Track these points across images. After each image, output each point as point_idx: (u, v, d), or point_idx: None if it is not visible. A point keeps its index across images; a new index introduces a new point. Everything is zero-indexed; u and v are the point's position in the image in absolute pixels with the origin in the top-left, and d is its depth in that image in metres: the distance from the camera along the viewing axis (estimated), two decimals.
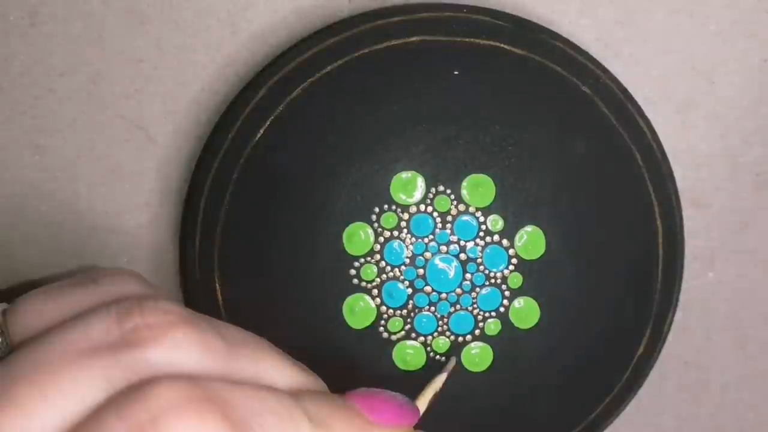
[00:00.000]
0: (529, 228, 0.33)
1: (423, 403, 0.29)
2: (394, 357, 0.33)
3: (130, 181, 0.35)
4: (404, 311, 0.33)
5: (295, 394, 0.24)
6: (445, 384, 0.30)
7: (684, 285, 0.37)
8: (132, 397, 0.21)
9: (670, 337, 0.37)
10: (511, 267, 0.33)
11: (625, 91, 0.33)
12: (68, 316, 0.24)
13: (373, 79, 0.32)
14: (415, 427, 0.27)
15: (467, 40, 0.32)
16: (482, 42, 0.33)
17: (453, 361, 0.33)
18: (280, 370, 0.25)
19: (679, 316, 0.37)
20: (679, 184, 0.34)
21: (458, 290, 0.33)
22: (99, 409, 0.21)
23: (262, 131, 0.32)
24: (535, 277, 0.33)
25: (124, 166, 0.35)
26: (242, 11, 0.34)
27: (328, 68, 0.32)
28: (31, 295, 0.25)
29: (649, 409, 0.38)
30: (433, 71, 0.33)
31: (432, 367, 0.33)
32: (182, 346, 0.23)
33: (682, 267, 0.34)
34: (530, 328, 0.33)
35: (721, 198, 0.36)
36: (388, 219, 0.33)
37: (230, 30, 0.34)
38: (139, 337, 0.22)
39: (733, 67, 0.35)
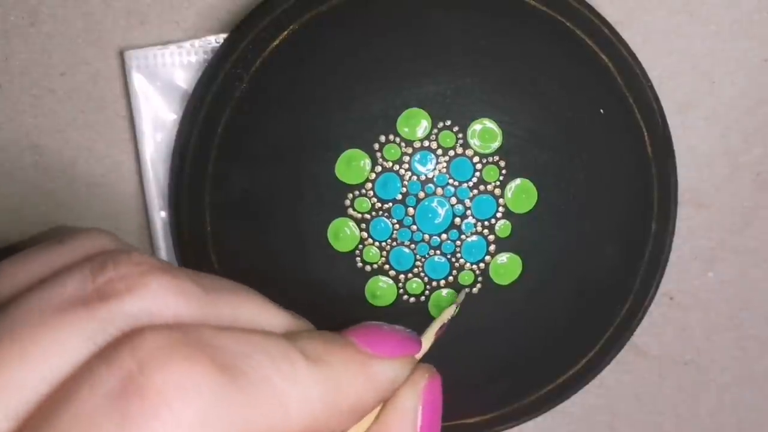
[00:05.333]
0: (522, 181, 0.33)
1: (429, 335, 0.28)
2: (365, 290, 0.33)
3: (130, 180, 0.35)
4: (383, 243, 0.33)
5: (288, 335, 0.24)
6: (455, 315, 0.30)
7: (684, 285, 0.37)
8: (118, 347, 0.21)
9: (670, 337, 0.37)
10: (500, 216, 0.33)
11: (634, 56, 0.33)
12: (39, 278, 0.23)
13: (391, 15, 0.32)
14: (422, 359, 0.27)
15: None
16: None
17: (463, 294, 0.33)
18: (265, 314, 0.24)
19: (679, 315, 0.37)
20: (680, 184, 0.34)
21: (443, 235, 0.33)
22: (86, 363, 0.21)
23: (274, 44, 0.32)
24: (523, 230, 0.33)
25: (124, 166, 0.35)
26: (242, 11, 0.34)
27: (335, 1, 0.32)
28: (1, 262, 0.25)
29: (649, 409, 0.38)
30: (455, 14, 0.33)
31: (399, 307, 0.33)
32: (159, 294, 0.22)
33: (672, 232, 0.34)
34: (508, 285, 0.33)
35: (721, 198, 0.36)
36: (391, 150, 0.33)
37: (230, 30, 0.34)
38: (114, 289, 0.22)
39: (733, 67, 0.35)
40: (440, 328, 0.29)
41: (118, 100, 0.35)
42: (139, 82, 0.34)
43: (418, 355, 0.27)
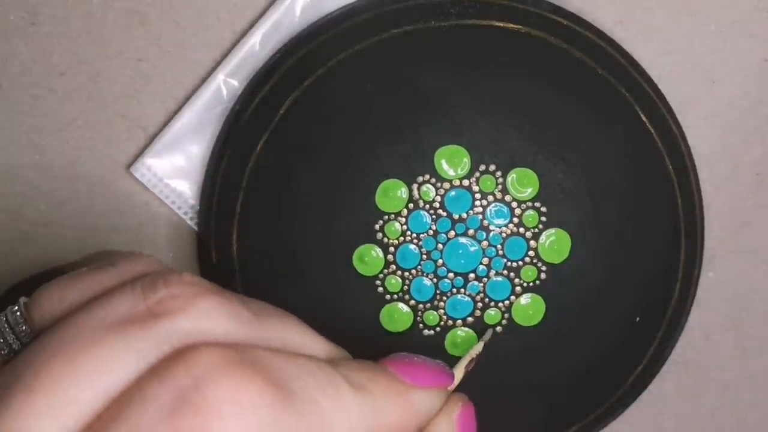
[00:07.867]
0: (557, 231, 0.33)
1: (459, 369, 0.29)
2: (382, 312, 0.33)
3: (130, 181, 0.35)
4: (407, 272, 0.33)
5: (331, 361, 0.24)
6: (481, 353, 0.31)
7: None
8: (172, 363, 0.21)
9: None
10: (529, 261, 0.33)
11: (658, 92, 0.34)
12: (90, 297, 0.24)
13: (449, 52, 0.33)
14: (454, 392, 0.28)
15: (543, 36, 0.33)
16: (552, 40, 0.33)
17: (490, 333, 0.33)
18: (309, 341, 0.25)
19: None
20: None
21: (471, 275, 0.33)
22: (140, 379, 0.21)
23: (320, 72, 0.33)
24: (550, 278, 0.33)
25: (124, 166, 0.35)
26: (242, 11, 0.34)
27: (385, 35, 0.33)
28: (50, 283, 0.25)
29: (649, 409, 0.38)
30: (500, 60, 0.33)
31: (413, 335, 0.33)
32: (210, 314, 0.23)
33: (694, 294, 0.35)
34: (532, 326, 0.33)
35: (721, 198, 0.36)
36: (426, 191, 0.32)
37: (230, 30, 0.34)
38: (165, 308, 0.22)
39: (733, 66, 0.35)
40: (469, 362, 0.30)
41: (118, 100, 0.35)
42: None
43: (451, 387, 0.27)
